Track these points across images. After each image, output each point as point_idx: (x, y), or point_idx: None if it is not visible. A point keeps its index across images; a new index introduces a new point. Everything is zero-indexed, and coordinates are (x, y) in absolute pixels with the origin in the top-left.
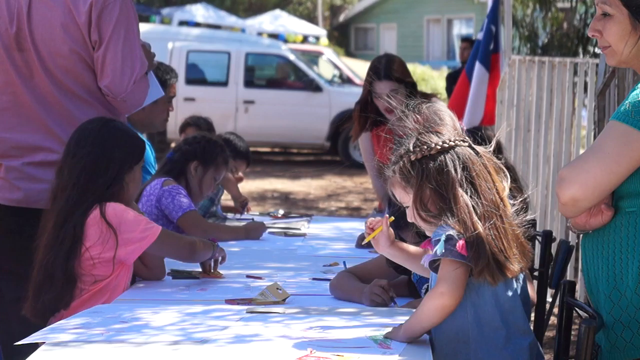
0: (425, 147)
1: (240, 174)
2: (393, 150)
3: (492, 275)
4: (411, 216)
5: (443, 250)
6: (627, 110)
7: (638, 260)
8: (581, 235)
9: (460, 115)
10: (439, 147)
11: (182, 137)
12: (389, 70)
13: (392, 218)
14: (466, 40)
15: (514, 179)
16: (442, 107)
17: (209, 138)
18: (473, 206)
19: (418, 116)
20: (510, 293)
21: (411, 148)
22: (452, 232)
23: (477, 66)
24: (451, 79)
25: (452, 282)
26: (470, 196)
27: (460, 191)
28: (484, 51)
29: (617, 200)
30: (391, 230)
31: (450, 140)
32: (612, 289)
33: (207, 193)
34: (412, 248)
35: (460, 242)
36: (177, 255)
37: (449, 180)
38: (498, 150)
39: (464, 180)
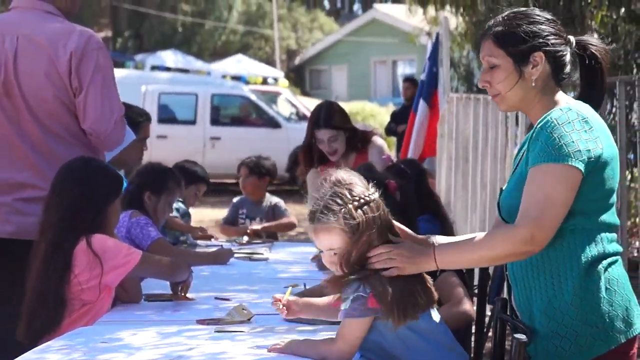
0: (363, 195)
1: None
2: (319, 203)
3: (405, 316)
4: (332, 262)
5: (347, 308)
6: (549, 152)
7: (576, 275)
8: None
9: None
10: (370, 197)
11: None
12: (328, 119)
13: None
14: (408, 80)
15: (438, 208)
16: (348, 171)
17: (156, 167)
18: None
19: (331, 178)
20: (428, 324)
21: (349, 196)
22: (360, 292)
23: (421, 103)
24: (391, 117)
25: (350, 343)
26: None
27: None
28: (427, 90)
29: None
30: (295, 297)
31: (367, 188)
32: (546, 305)
33: (164, 218)
34: (319, 301)
35: (369, 298)
36: (159, 275)
37: (375, 227)
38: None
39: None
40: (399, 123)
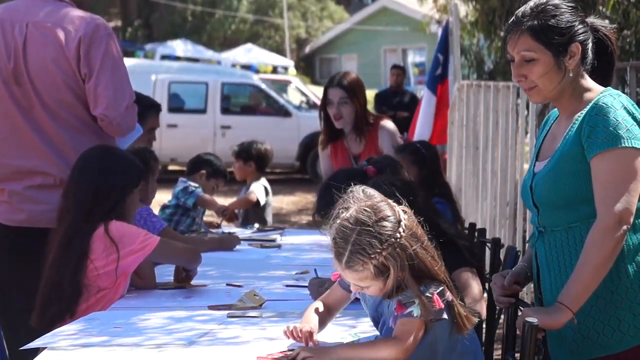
0: (392, 240)
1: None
2: (343, 244)
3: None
4: (359, 290)
5: (418, 310)
6: (611, 137)
7: (628, 261)
8: (539, 247)
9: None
10: (401, 233)
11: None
12: (342, 80)
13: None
14: (396, 67)
15: (449, 191)
16: (370, 196)
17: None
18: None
19: (352, 206)
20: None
21: (379, 245)
22: (426, 293)
23: (425, 91)
24: (375, 100)
25: (414, 342)
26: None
27: (427, 256)
28: (430, 78)
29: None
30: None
31: (397, 221)
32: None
33: (154, 195)
34: (319, 315)
35: (434, 298)
36: (179, 261)
37: (409, 262)
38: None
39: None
40: (382, 107)
